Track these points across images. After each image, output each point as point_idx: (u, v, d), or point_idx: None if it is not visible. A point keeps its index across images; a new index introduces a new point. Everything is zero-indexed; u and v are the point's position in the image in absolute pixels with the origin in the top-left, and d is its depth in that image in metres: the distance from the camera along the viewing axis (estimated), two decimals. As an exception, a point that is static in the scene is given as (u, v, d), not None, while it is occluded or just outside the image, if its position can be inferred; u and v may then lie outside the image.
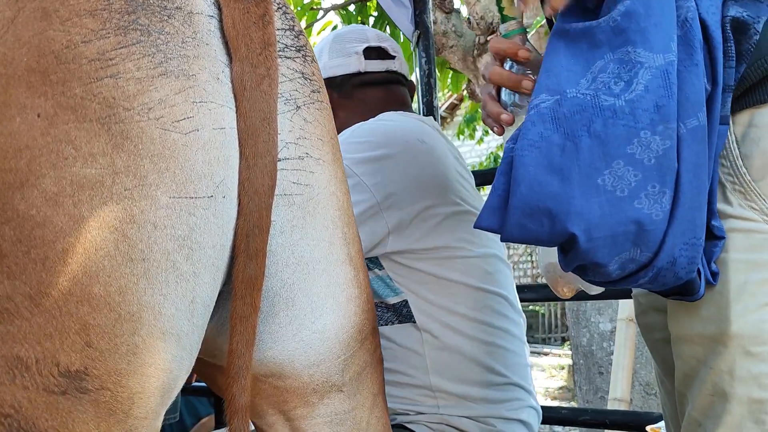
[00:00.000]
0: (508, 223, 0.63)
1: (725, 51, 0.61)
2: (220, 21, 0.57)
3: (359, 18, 3.20)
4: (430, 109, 1.75)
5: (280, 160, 0.60)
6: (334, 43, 1.31)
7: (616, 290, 1.48)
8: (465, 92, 3.66)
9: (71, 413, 0.47)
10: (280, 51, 0.63)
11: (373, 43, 1.31)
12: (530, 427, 1.17)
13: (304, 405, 0.67)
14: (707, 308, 0.65)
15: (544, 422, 1.34)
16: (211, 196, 0.53)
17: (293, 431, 0.68)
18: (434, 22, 2.95)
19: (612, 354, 3.48)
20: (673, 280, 0.62)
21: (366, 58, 1.29)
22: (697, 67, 0.60)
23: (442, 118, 8.85)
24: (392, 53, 1.33)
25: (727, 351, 0.63)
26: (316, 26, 3.79)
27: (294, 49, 0.66)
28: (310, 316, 0.64)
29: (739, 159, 0.63)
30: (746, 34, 0.61)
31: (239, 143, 0.55)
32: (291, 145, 0.62)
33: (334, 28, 3.72)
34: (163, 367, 0.51)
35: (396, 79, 1.32)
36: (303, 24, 3.50)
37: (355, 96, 1.29)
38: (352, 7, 3.25)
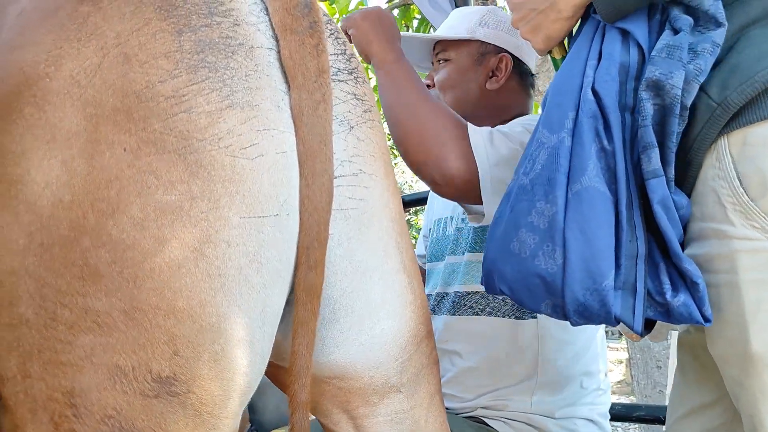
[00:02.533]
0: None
1: (641, 112, 0.66)
2: (278, 52, 0.62)
3: (403, 22, 3.24)
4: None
5: (336, 178, 0.65)
6: (501, 15, 1.29)
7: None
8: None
9: (163, 414, 0.52)
10: (333, 75, 0.68)
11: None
12: (602, 429, 1.19)
13: (365, 404, 0.71)
14: (731, 329, 0.68)
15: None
16: (277, 214, 0.58)
17: (357, 429, 0.73)
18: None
19: (669, 347, 3.42)
20: (611, 320, 0.69)
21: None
22: (582, 138, 0.68)
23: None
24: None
25: (755, 370, 0.65)
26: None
27: (346, 72, 0.70)
28: (369, 322, 0.69)
29: (737, 179, 0.65)
30: (663, 90, 0.65)
31: (299, 164, 0.60)
32: (346, 163, 0.67)
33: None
34: (241, 372, 0.56)
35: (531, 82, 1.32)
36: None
37: (526, 91, 1.28)
38: (395, 12, 3.29)
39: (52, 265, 0.53)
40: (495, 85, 1.24)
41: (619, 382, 5.82)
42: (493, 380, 1.16)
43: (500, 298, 1.17)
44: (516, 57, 1.25)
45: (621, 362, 6.28)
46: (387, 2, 3.36)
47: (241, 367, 0.56)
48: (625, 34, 0.70)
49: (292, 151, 0.60)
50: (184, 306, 0.52)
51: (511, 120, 1.17)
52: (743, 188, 0.65)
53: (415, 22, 3.20)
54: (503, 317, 1.16)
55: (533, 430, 1.13)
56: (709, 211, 0.68)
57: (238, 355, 0.55)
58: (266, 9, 0.63)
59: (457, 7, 1.75)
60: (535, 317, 1.14)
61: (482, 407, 1.16)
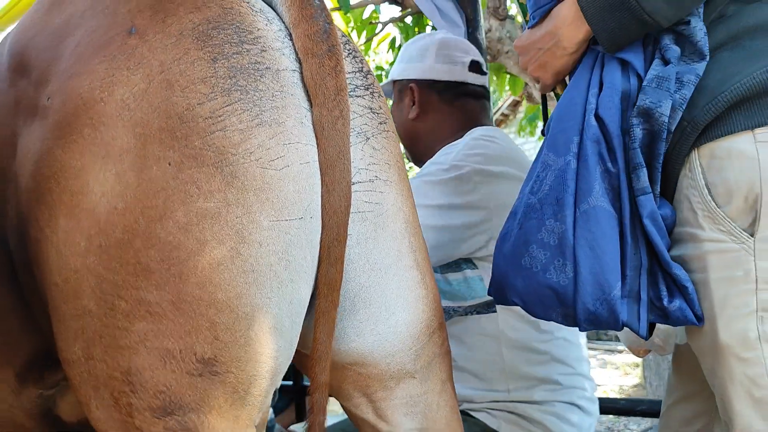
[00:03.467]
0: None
1: (630, 135, 0.73)
2: (301, 73, 0.70)
3: (416, 29, 3.31)
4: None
5: (353, 184, 0.72)
6: (440, 48, 1.39)
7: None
8: (524, 95, 3.72)
9: (206, 391, 0.61)
10: (351, 91, 0.76)
11: (474, 58, 1.40)
12: (588, 413, 1.25)
13: (383, 389, 0.79)
14: (704, 324, 0.74)
15: (602, 413, 1.41)
16: (301, 217, 0.66)
17: (375, 411, 0.80)
18: (488, 30, 3.02)
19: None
20: (618, 326, 0.75)
21: (469, 70, 1.38)
22: (587, 160, 0.75)
23: (504, 115, 8.94)
24: (485, 70, 1.43)
25: (724, 359, 0.72)
26: (375, 39, 3.94)
27: (363, 88, 0.78)
28: (385, 314, 0.76)
29: (706, 188, 0.71)
30: (652, 117, 0.72)
31: (321, 173, 0.68)
32: (362, 171, 0.74)
33: (393, 40, 3.86)
34: (272, 356, 0.64)
35: (488, 96, 1.42)
36: (363, 38, 3.65)
37: (456, 104, 1.38)
38: (409, 20, 3.37)
39: (109, 264, 0.62)
40: (414, 113, 1.35)
41: (635, 385, 5.82)
42: (470, 374, 1.23)
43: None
44: (425, 80, 1.35)
45: (637, 365, 6.27)
46: (401, 11, 3.44)
47: (272, 351, 0.64)
48: (625, 64, 0.76)
49: (314, 162, 0.68)
50: (223, 298, 0.61)
51: (455, 136, 1.29)
52: (711, 196, 0.71)
53: (428, 29, 3.27)
54: (466, 315, 1.23)
55: (516, 417, 1.19)
56: (684, 217, 0.74)
57: (269, 340, 0.63)
58: (290, 35, 0.71)
59: (466, 19, 1.82)
60: (495, 311, 1.21)
61: (466, 401, 1.23)
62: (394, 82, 1.42)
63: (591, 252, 0.74)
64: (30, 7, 0.89)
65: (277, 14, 0.72)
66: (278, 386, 0.74)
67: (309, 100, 0.69)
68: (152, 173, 0.62)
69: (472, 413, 1.22)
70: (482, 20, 1.87)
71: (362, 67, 0.80)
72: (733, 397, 0.72)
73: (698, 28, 0.73)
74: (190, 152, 0.62)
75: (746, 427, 0.71)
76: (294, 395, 2.18)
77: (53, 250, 0.66)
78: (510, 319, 1.20)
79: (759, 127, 0.69)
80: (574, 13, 0.79)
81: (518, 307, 1.21)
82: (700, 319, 0.73)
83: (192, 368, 0.60)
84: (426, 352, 0.80)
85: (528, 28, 0.87)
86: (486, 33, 2.80)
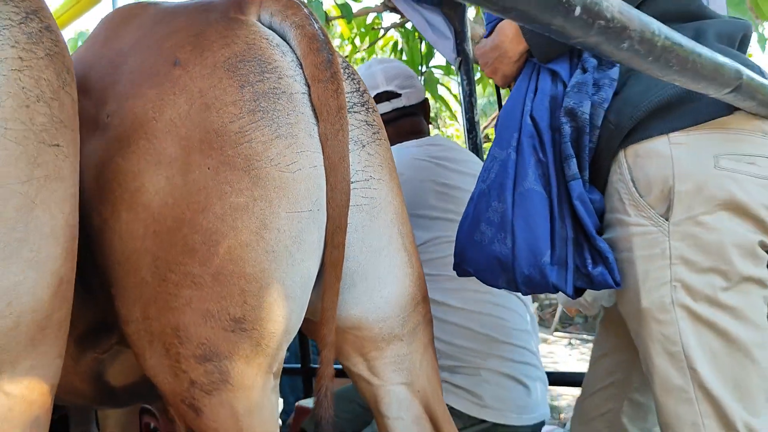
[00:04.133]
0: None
1: (560, 132, 0.90)
2: (309, 95, 0.88)
3: (416, 33, 3.48)
4: (472, 124, 2.04)
5: (352, 183, 0.90)
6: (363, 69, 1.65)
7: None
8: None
9: (236, 343, 0.79)
10: (350, 108, 0.94)
11: (381, 89, 1.65)
12: (529, 389, 1.45)
13: (376, 349, 0.97)
14: (630, 293, 0.92)
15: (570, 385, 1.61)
16: (311, 210, 0.84)
17: (369, 369, 0.99)
18: (480, 39, 3.20)
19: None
20: (550, 288, 0.92)
21: (378, 102, 1.63)
22: (523, 153, 0.92)
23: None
24: (399, 91, 1.64)
25: (645, 322, 0.89)
26: (379, 43, 4.12)
27: (360, 105, 0.96)
28: (378, 287, 0.94)
29: (631, 182, 0.88)
30: (576, 116, 0.89)
31: (326, 175, 0.86)
32: (359, 172, 0.92)
33: (395, 44, 4.03)
34: (286, 317, 0.82)
35: (403, 114, 1.64)
36: (366, 43, 3.82)
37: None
38: (409, 25, 3.54)
39: (162, 245, 0.80)
40: None
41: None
42: None
43: None
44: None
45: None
46: (400, 18, 3.61)
47: (287, 313, 0.82)
48: (554, 74, 0.94)
49: (320, 166, 0.86)
50: (251, 271, 0.79)
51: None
52: (636, 188, 0.88)
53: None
54: None
55: (447, 385, 1.41)
56: (614, 205, 0.92)
57: (284, 305, 0.82)
58: (300, 64, 0.89)
59: (455, 31, 1.99)
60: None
61: None
62: None
63: (525, 226, 0.91)
64: (86, 41, 1.07)
65: (290, 47, 0.90)
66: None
67: (316, 116, 0.87)
68: (195, 176, 0.80)
69: None
70: (469, 31, 2.04)
71: (359, 87, 0.98)
72: (653, 352, 0.89)
73: None
74: (224, 159, 0.80)
75: (663, 376, 0.88)
76: (302, 375, 2.38)
77: (116, 236, 0.85)
78: (448, 306, 1.44)
79: (673, 131, 0.86)
80: (515, 30, 0.97)
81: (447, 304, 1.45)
82: (618, 283, 0.90)
83: (226, 325, 0.78)
84: (412, 319, 0.98)
85: (484, 38, 1.05)
86: (478, 41, 2.97)
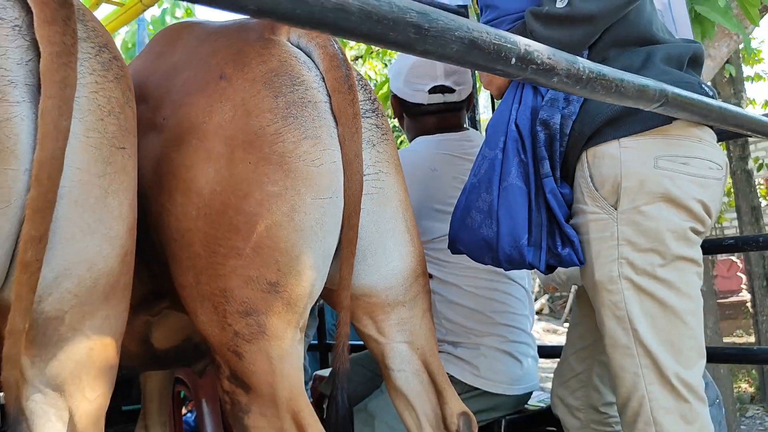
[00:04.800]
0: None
1: (536, 138, 1.08)
2: (330, 104, 1.07)
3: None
4: (473, 122, 2.23)
5: (365, 175, 1.10)
6: (410, 73, 1.79)
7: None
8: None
9: (272, 302, 0.99)
10: (363, 114, 1.13)
11: (439, 82, 1.78)
12: (521, 363, 1.66)
13: (383, 313, 1.17)
14: (587, 268, 1.12)
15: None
16: (331, 197, 1.03)
17: (377, 329, 1.18)
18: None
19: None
20: (527, 265, 1.11)
21: (430, 93, 1.78)
22: (508, 153, 1.10)
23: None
24: (455, 87, 1.80)
25: (598, 292, 1.08)
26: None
27: (371, 111, 1.15)
28: (385, 261, 1.14)
29: (589, 178, 1.08)
30: (549, 125, 1.08)
31: (343, 169, 1.05)
32: (371, 167, 1.12)
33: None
34: (311, 283, 1.02)
35: (452, 107, 1.80)
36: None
37: (416, 118, 1.82)
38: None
39: (211, 224, 1.00)
40: (395, 116, 1.89)
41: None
42: None
43: None
44: (397, 96, 1.86)
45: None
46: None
47: (311, 280, 1.02)
48: (536, 89, 1.13)
49: (339, 161, 1.05)
50: (283, 246, 0.99)
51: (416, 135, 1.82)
52: (593, 183, 1.07)
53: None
54: None
55: (450, 356, 1.62)
56: (577, 197, 1.11)
57: (309, 274, 1.02)
58: (323, 78, 1.08)
59: None
60: (432, 278, 1.65)
61: None
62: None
63: (508, 214, 1.11)
64: (141, 53, 1.27)
65: (315, 64, 1.09)
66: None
67: (335, 121, 1.07)
68: (238, 169, 1.00)
69: None
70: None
71: (370, 96, 1.17)
72: (604, 316, 1.09)
73: None
74: (262, 156, 1.00)
75: (612, 335, 1.08)
76: (320, 350, 2.66)
77: (172, 217, 1.05)
78: (438, 284, 1.63)
79: (623, 137, 1.05)
80: None
81: (437, 279, 1.65)
82: (582, 262, 1.10)
83: (264, 288, 0.98)
84: (412, 289, 1.18)
85: None
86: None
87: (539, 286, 9.95)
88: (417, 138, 1.81)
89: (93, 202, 0.88)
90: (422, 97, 1.78)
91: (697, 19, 2.50)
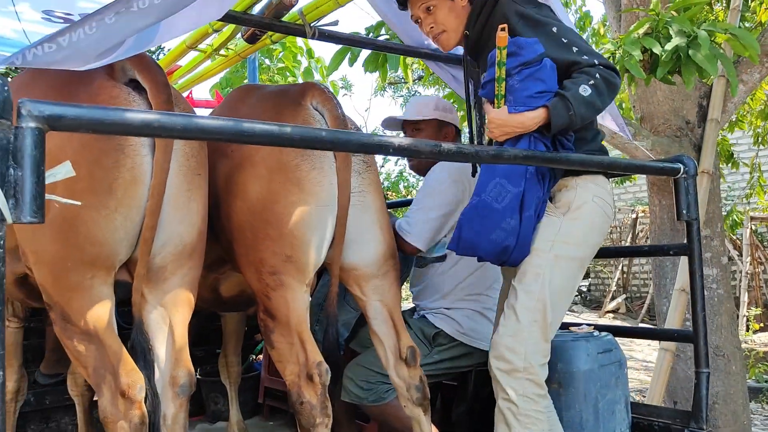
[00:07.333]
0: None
1: (544, 177, 1.65)
2: (332, 146, 1.71)
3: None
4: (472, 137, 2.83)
5: (352, 193, 1.73)
6: (446, 102, 2.47)
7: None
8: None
9: (288, 267, 1.64)
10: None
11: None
12: (491, 321, 2.23)
13: (364, 281, 1.81)
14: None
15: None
16: (328, 206, 1.67)
17: (361, 292, 1.82)
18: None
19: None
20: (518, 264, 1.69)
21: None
22: (531, 190, 1.64)
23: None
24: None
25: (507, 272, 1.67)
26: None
27: (361, 149, 1.79)
28: (366, 246, 1.78)
29: (555, 200, 1.67)
30: (545, 172, 1.65)
31: (337, 188, 1.69)
32: (356, 187, 1.76)
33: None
34: (315, 258, 1.67)
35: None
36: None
37: (450, 136, 2.44)
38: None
39: (255, 219, 1.66)
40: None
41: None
42: (432, 291, 2.25)
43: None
44: (456, 126, 2.44)
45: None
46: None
47: (315, 256, 1.66)
48: (545, 144, 1.69)
49: (335, 184, 1.68)
50: (297, 234, 1.63)
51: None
52: (554, 203, 1.67)
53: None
54: (433, 263, 2.24)
55: (448, 318, 2.20)
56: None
57: (313, 252, 1.66)
58: (327, 122, 1.72)
59: (473, 83, 2.74)
60: (445, 260, 2.25)
61: (424, 310, 2.27)
62: (438, 120, 2.41)
63: (524, 233, 1.64)
64: (222, 104, 1.95)
65: (325, 121, 1.73)
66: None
67: (334, 156, 1.70)
68: (272, 186, 1.65)
69: (427, 316, 2.22)
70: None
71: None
72: (518, 288, 1.68)
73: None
74: (286, 177, 1.65)
75: (523, 309, 1.66)
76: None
77: (233, 213, 1.72)
78: (450, 264, 2.22)
79: (578, 176, 1.67)
80: (544, 118, 1.61)
81: (448, 262, 2.23)
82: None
83: (284, 258, 1.63)
84: (384, 266, 1.81)
85: (507, 108, 1.70)
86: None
87: (616, 285, 10.15)
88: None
89: (182, 205, 1.56)
90: (455, 119, 2.47)
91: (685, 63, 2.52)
